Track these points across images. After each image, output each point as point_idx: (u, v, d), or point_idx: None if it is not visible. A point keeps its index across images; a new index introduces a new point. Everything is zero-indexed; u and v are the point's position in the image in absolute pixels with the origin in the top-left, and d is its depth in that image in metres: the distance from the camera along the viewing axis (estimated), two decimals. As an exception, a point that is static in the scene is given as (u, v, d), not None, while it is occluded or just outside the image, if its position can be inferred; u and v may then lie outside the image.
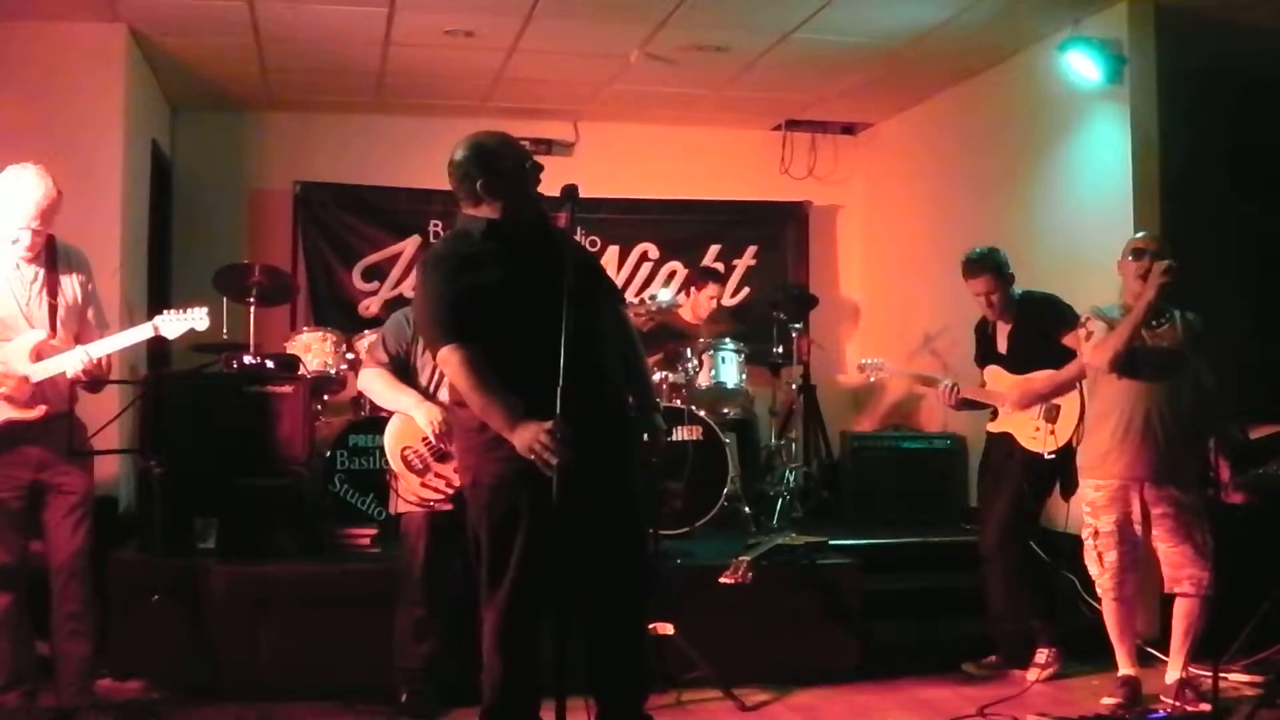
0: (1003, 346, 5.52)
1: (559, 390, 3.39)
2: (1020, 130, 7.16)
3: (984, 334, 5.67)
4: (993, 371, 5.54)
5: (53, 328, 4.39)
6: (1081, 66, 6.21)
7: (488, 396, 3.57)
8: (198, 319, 4.56)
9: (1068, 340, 5.28)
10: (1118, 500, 4.83)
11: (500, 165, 3.75)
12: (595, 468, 3.56)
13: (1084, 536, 4.94)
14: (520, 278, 3.65)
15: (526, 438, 3.45)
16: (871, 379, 6.46)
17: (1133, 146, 6.15)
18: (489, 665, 3.67)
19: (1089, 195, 6.48)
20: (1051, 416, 5.31)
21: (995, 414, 5.53)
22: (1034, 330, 5.42)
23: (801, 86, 7.88)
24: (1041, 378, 5.36)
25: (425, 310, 3.74)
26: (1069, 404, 5.32)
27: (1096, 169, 6.43)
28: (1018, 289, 5.51)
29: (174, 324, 4.54)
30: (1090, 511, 4.90)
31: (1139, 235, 5.15)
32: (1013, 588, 5.36)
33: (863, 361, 6.42)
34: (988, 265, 5.45)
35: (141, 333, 4.56)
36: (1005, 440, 5.45)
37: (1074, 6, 6.23)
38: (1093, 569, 4.92)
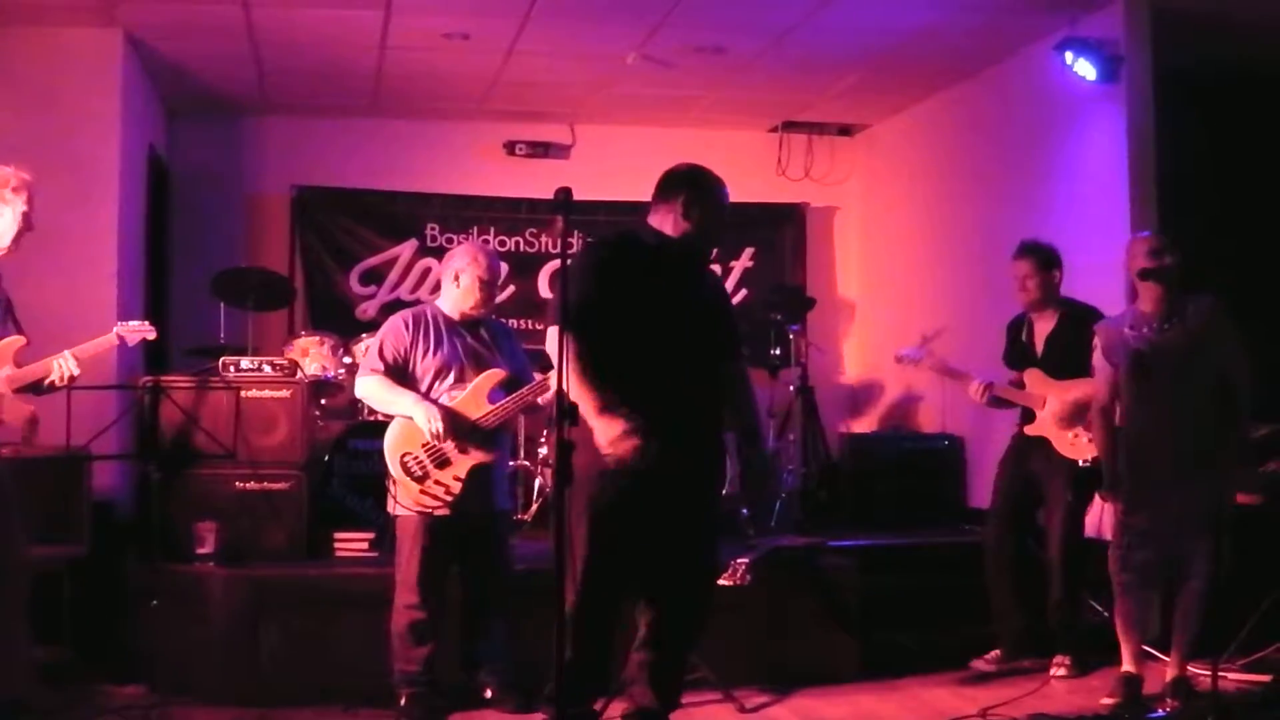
0: (1039, 347, 5.51)
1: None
2: (1017, 130, 7.17)
3: (1018, 334, 5.64)
4: (1033, 375, 5.50)
5: (21, 331, 4.37)
6: (1077, 66, 6.22)
7: (587, 383, 3.71)
8: (147, 329, 4.96)
9: None
10: (1149, 500, 4.78)
11: (709, 198, 4.03)
12: (681, 482, 3.80)
13: (1114, 534, 4.91)
14: (663, 294, 3.86)
15: (607, 428, 3.65)
16: (909, 365, 6.28)
17: (1129, 146, 6.16)
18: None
19: (1085, 195, 6.49)
20: (1090, 424, 5.31)
21: (1032, 417, 5.50)
22: (1073, 339, 5.37)
23: (798, 87, 7.89)
24: (1083, 390, 5.28)
25: (572, 289, 3.76)
26: None
27: (1092, 169, 6.44)
28: (1066, 296, 5.51)
29: (131, 332, 4.89)
30: (1124, 510, 4.83)
31: (1146, 248, 4.88)
32: (1074, 594, 5.39)
33: (902, 353, 6.19)
34: (1026, 251, 5.52)
35: (109, 340, 4.78)
36: (1043, 445, 5.42)
37: (1069, 6, 6.24)
38: (1113, 565, 4.87)
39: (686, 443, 3.82)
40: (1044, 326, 5.54)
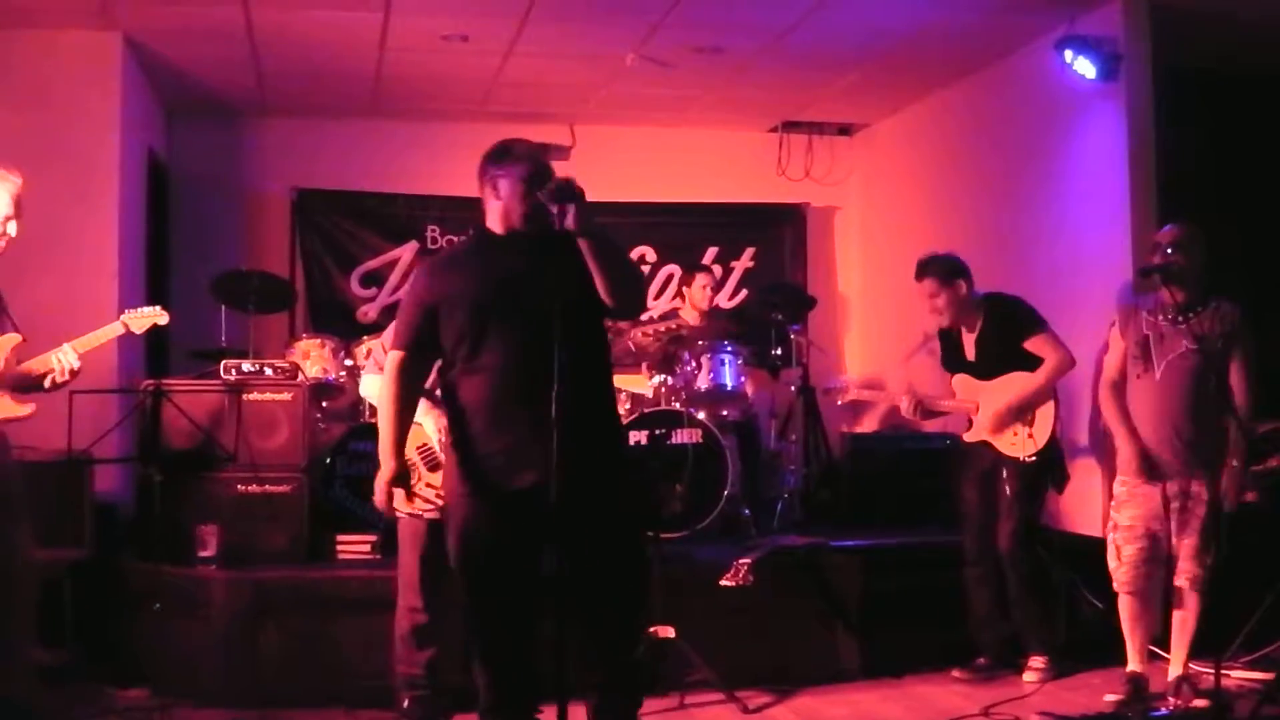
0: (970, 353, 5.49)
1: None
2: (1016, 129, 7.16)
3: (949, 340, 5.62)
4: (962, 380, 5.52)
5: (17, 329, 4.33)
6: (1077, 65, 6.22)
7: (390, 417, 3.77)
8: (159, 314, 4.72)
9: (1031, 345, 5.30)
10: (1138, 495, 4.79)
11: (510, 165, 3.64)
12: (550, 487, 3.42)
13: (1107, 531, 4.92)
14: (489, 292, 3.60)
15: (381, 472, 3.75)
16: (839, 402, 6.41)
17: (1128, 143, 6.15)
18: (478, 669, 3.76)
19: (1085, 193, 6.49)
20: (1028, 420, 5.31)
21: (970, 423, 5.50)
22: (999, 335, 5.39)
23: (797, 87, 7.88)
24: (1012, 392, 5.31)
25: (399, 319, 3.80)
26: (1044, 406, 5.31)
27: (1092, 167, 6.43)
28: (982, 291, 5.50)
29: (139, 320, 4.68)
30: (1114, 506, 4.88)
31: (1150, 243, 5.00)
32: (1035, 590, 5.35)
33: (827, 385, 6.53)
34: (926, 270, 5.48)
35: (114, 330, 4.61)
36: (985, 448, 5.42)
37: (1069, 5, 6.23)
38: (1111, 562, 4.89)
39: (549, 441, 3.37)
40: (969, 331, 5.49)
